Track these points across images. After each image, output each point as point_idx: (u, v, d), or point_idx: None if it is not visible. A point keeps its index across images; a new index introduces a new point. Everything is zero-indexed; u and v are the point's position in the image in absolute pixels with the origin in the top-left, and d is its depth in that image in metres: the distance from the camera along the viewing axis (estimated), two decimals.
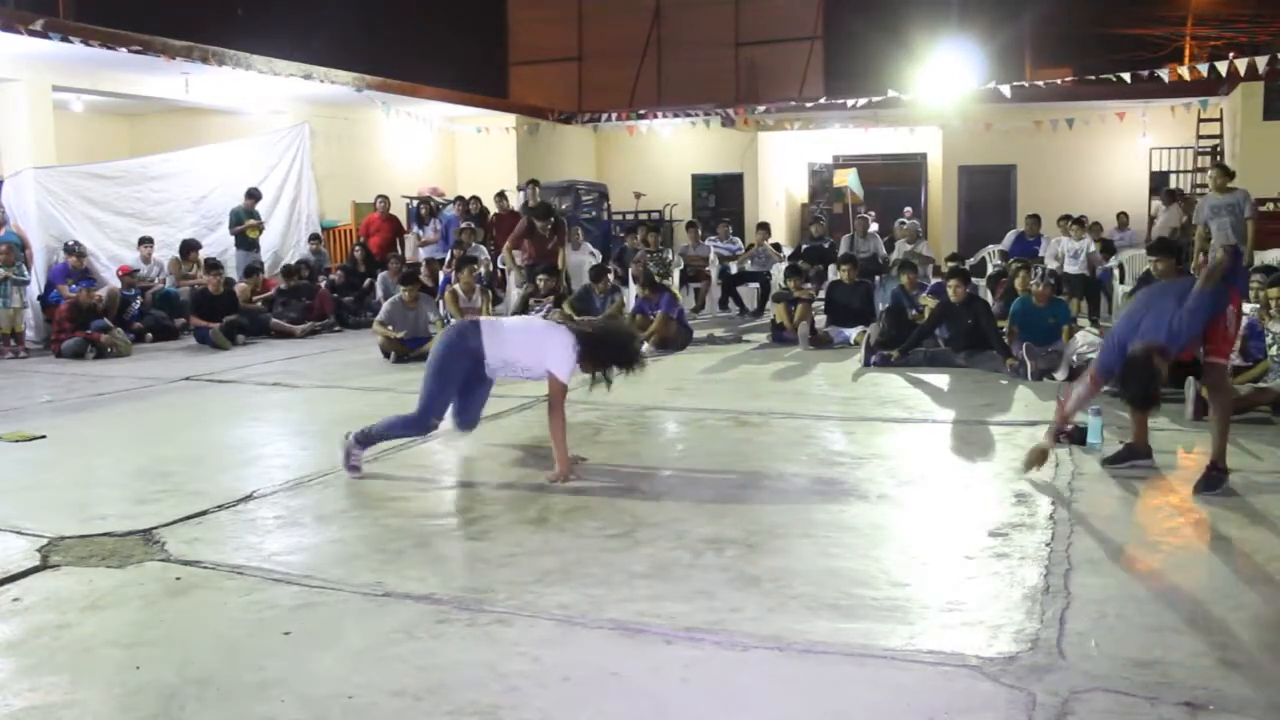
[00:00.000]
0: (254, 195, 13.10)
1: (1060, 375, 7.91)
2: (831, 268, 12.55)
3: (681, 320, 10.17)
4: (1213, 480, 4.71)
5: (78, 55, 11.49)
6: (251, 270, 12.28)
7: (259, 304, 11.81)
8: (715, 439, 6.17)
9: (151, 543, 4.20)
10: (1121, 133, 17.87)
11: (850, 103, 16.74)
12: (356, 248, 13.97)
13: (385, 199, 14.67)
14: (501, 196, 14.83)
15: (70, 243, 11.16)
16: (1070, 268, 11.89)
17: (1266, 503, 4.52)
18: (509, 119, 18.85)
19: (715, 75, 21.20)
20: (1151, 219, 16.47)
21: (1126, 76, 14.39)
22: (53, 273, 11.12)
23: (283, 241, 14.02)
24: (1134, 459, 5.20)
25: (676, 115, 19.64)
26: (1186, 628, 3.20)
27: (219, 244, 13.08)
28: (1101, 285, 12.00)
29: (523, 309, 10.68)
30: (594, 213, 17.28)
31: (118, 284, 11.39)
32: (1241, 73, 13.42)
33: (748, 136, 20.84)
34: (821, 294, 11.48)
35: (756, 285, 13.30)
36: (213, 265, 11.66)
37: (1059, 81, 15.97)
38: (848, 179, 18.67)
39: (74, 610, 3.49)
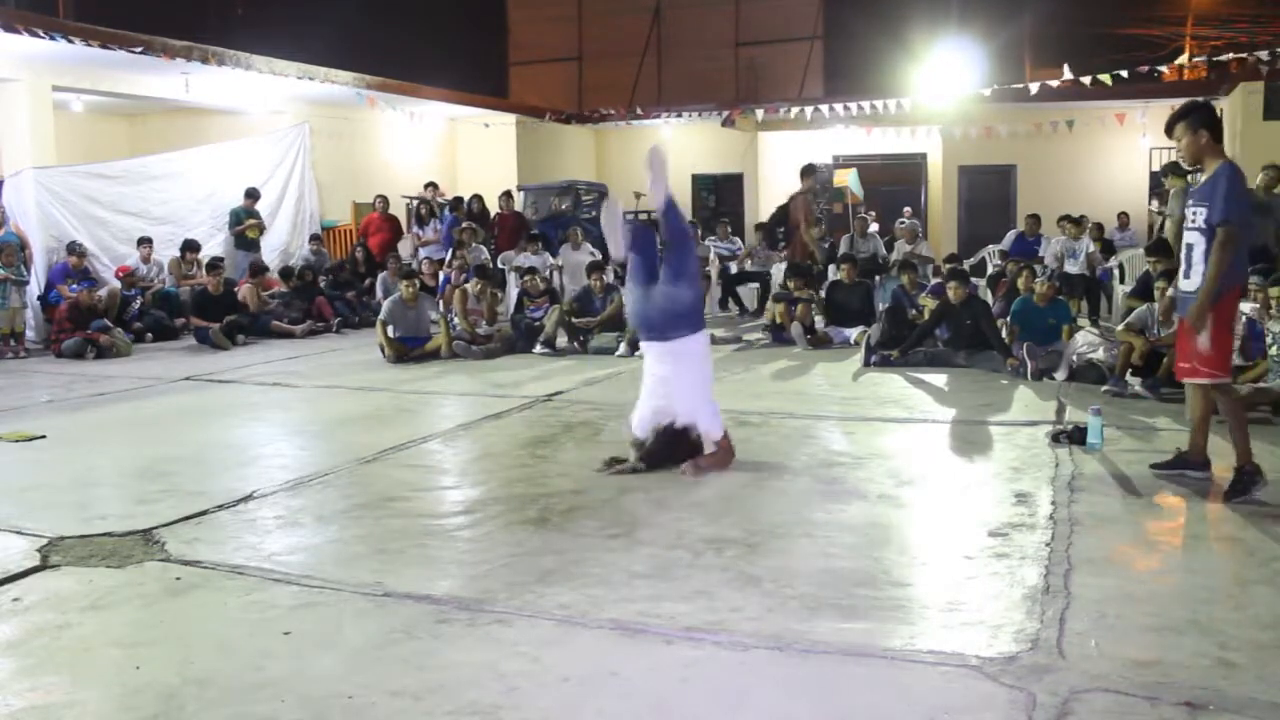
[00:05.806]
0: (253, 195, 13.11)
1: (1060, 375, 7.91)
2: (831, 268, 12.55)
3: None
4: (1241, 484, 4.56)
5: (78, 55, 11.48)
6: (257, 270, 12.28)
7: (270, 303, 11.77)
8: None
9: (151, 543, 4.20)
10: (1121, 133, 17.85)
11: (850, 105, 16.72)
12: (357, 248, 13.97)
13: (384, 199, 14.68)
14: (507, 196, 14.87)
15: (71, 243, 11.16)
16: (1070, 268, 11.87)
17: (1267, 503, 4.52)
18: (509, 119, 18.85)
19: (715, 75, 21.20)
20: (1151, 226, 16.43)
21: (1125, 74, 14.39)
22: (53, 273, 11.11)
23: (288, 241, 14.03)
24: (1186, 469, 4.92)
25: (677, 115, 19.61)
26: (1186, 628, 3.20)
27: (228, 244, 13.10)
28: (1101, 285, 11.99)
29: (518, 310, 10.64)
30: (594, 213, 17.28)
31: (118, 284, 11.38)
32: (1246, 63, 13.38)
33: (748, 136, 20.83)
34: (821, 294, 11.47)
35: (756, 285, 13.31)
36: (213, 265, 11.66)
37: (1058, 82, 15.97)
38: (848, 179, 18.67)
39: (74, 610, 3.49)
